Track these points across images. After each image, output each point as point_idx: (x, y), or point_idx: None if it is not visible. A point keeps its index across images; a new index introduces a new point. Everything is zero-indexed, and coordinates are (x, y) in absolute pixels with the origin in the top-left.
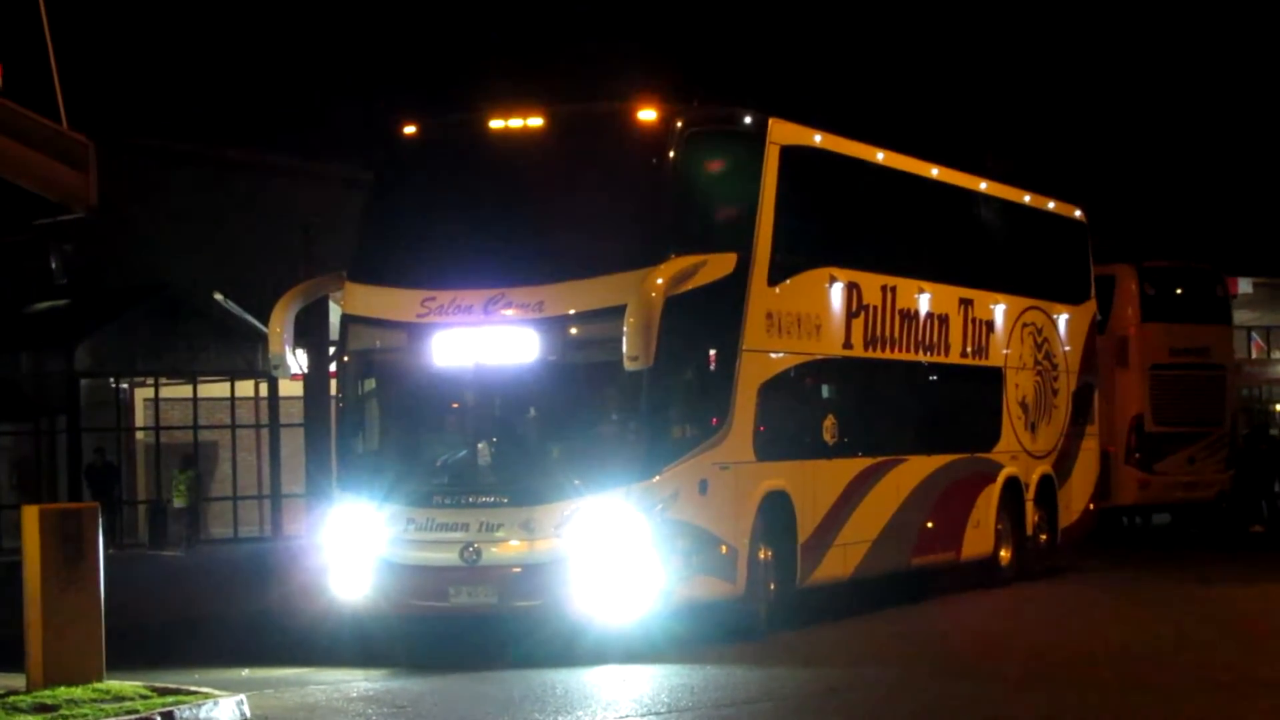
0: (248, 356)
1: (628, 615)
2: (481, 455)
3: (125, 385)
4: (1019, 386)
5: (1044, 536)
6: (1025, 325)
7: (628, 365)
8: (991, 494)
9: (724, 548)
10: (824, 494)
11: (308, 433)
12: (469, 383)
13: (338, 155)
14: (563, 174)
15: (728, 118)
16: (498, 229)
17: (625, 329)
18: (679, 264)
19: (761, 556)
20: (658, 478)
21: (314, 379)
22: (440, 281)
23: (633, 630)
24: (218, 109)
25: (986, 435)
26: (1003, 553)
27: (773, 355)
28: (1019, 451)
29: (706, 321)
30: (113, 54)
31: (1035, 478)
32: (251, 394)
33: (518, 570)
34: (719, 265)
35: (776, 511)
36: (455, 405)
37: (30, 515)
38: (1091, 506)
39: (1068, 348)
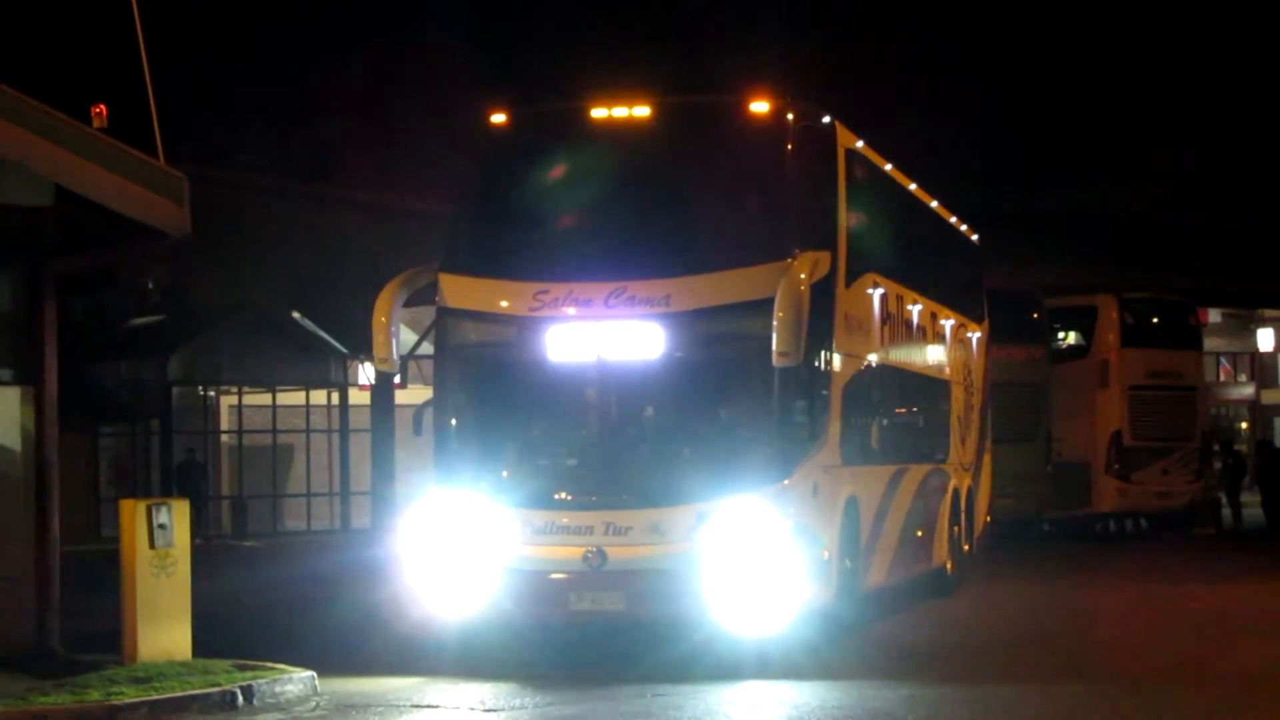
0: (321, 369)
1: (769, 625)
2: (606, 455)
3: (212, 393)
4: (958, 400)
5: (966, 546)
6: (960, 341)
7: (777, 361)
8: (946, 503)
9: (825, 552)
10: (873, 500)
11: (374, 437)
12: (590, 379)
13: (398, 188)
14: (681, 165)
15: (818, 114)
16: (613, 220)
17: (775, 324)
18: (809, 259)
19: (844, 561)
20: (787, 481)
21: (379, 389)
22: (552, 274)
23: (771, 641)
24: (292, 146)
25: (944, 446)
26: (948, 561)
27: (850, 358)
28: (957, 464)
29: (815, 320)
30: (202, 95)
31: (965, 489)
32: (324, 402)
33: (647, 575)
34: (822, 263)
35: (849, 517)
36: (575, 403)
37: (127, 508)
38: (989, 518)
39: (978, 365)
